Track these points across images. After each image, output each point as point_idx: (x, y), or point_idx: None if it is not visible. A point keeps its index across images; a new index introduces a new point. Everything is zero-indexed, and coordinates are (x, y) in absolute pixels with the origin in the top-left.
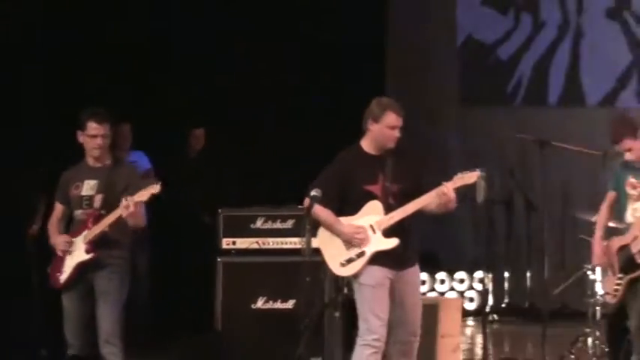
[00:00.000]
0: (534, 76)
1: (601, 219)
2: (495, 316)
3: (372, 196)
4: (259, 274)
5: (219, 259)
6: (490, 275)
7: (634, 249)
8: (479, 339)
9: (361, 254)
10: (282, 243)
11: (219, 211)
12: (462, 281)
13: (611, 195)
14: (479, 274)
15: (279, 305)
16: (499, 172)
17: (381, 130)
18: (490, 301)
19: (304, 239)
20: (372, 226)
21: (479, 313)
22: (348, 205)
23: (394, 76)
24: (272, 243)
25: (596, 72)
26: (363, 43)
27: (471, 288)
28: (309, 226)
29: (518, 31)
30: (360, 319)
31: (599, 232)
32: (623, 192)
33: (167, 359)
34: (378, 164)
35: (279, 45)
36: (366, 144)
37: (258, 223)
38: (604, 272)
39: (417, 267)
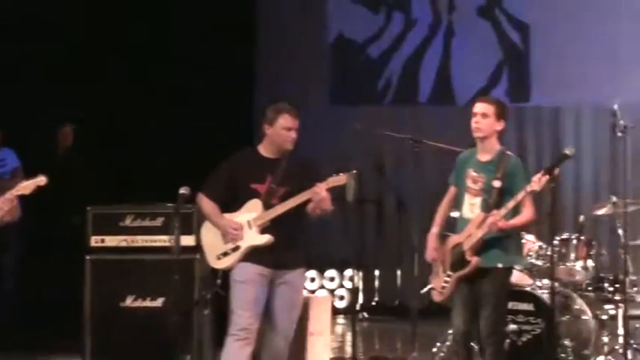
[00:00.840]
0: (405, 75)
1: (439, 214)
2: (365, 314)
3: (256, 195)
4: (128, 272)
5: (87, 257)
6: (360, 273)
7: (465, 246)
8: (349, 337)
9: (236, 249)
10: (151, 241)
11: (88, 208)
12: (332, 279)
13: (451, 190)
14: (349, 272)
15: (148, 303)
16: (370, 170)
17: (277, 133)
18: (360, 299)
19: (173, 237)
20: (248, 222)
21: (349, 311)
22: (235, 203)
23: (265, 74)
24: (141, 241)
25: (467, 70)
26: (233, 42)
27: (341, 286)
28: (177, 224)
29: (389, 30)
30: (230, 313)
31: (435, 228)
32: (463, 186)
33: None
34: (270, 166)
35: (148, 42)
36: (263, 148)
37: (127, 221)
38: (436, 269)
39: (300, 271)
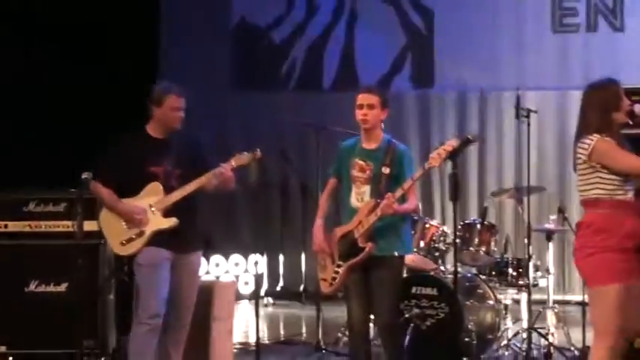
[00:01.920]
0: (308, 61)
1: (321, 206)
2: (270, 299)
3: (154, 178)
4: (32, 258)
5: None
6: (265, 259)
7: (357, 234)
8: (253, 322)
9: (140, 234)
10: (54, 226)
11: None
12: (237, 264)
13: (331, 181)
14: (254, 257)
15: (52, 288)
16: (275, 155)
17: (165, 113)
18: (265, 284)
19: (76, 222)
20: (151, 207)
21: (254, 297)
22: (131, 187)
23: (168, 58)
24: (45, 226)
25: (371, 56)
26: (136, 30)
27: (246, 271)
28: (80, 209)
29: (292, 15)
30: (137, 299)
31: (319, 220)
32: (348, 176)
33: None
34: (163, 148)
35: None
36: (152, 128)
37: (31, 206)
38: (323, 260)
39: (199, 254)
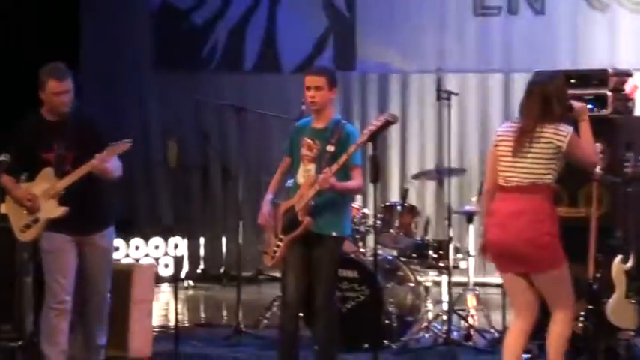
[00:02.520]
0: (230, 42)
1: (273, 183)
2: (191, 282)
3: (47, 163)
4: None
5: None
6: (185, 241)
7: (298, 207)
8: (174, 305)
9: (36, 221)
10: None
11: None
12: (157, 247)
13: (285, 160)
14: (174, 240)
15: None
16: (195, 137)
17: (48, 97)
18: (185, 267)
19: None
20: (44, 193)
21: (174, 279)
22: (29, 172)
23: (88, 40)
24: None
25: (293, 38)
26: (56, 10)
27: (166, 254)
28: None
29: None
30: (45, 284)
31: (269, 195)
32: (298, 154)
33: None
34: (56, 131)
35: None
36: (45, 111)
37: None
38: (268, 235)
39: (104, 234)
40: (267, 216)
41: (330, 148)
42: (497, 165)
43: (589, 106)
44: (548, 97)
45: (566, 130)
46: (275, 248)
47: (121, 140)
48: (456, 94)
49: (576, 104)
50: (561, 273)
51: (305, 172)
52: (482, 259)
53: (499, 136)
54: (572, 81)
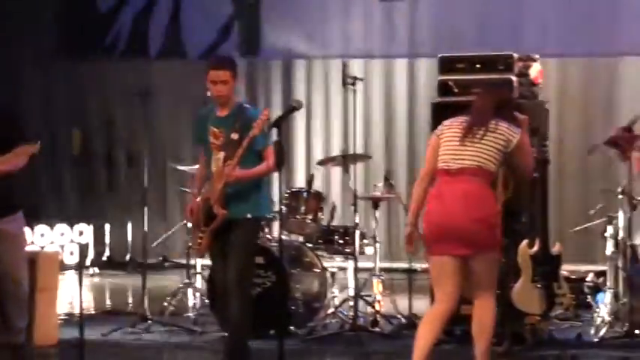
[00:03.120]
0: (135, 29)
1: (198, 174)
2: (96, 269)
3: None
4: None
5: None
6: (91, 228)
7: (212, 200)
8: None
9: None
10: None
11: None
12: (62, 234)
13: (203, 150)
14: (79, 227)
15: None
16: (100, 124)
17: None
18: (91, 254)
19: None
20: None
21: (79, 267)
22: None
23: None
24: None
25: (197, 25)
26: None
27: (71, 241)
28: None
29: None
30: None
31: (195, 189)
32: (208, 143)
33: None
34: None
35: None
36: None
37: None
38: (193, 226)
39: (12, 216)
40: (189, 211)
41: (234, 136)
42: (439, 152)
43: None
44: (503, 101)
45: (519, 130)
46: (199, 240)
47: (30, 140)
48: (362, 80)
49: (520, 115)
50: (499, 256)
51: (216, 161)
52: (393, 247)
53: (445, 125)
54: (478, 66)
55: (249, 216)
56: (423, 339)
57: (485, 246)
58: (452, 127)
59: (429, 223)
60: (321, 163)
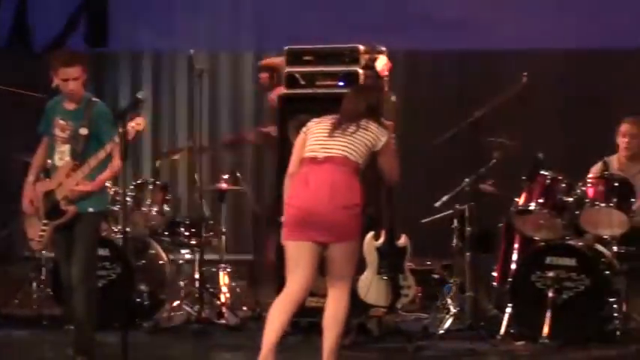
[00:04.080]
0: None
1: (34, 162)
2: None
3: None
4: None
5: None
6: None
7: (59, 196)
8: None
9: None
10: None
11: None
12: None
13: (45, 139)
14: None
15: None
16: None
17: None
18: None
19: None
20: None
21: None
22: None
23: None
24: None
25: (45, 16)
26: None
27: None
28: None
29: None
30: None
31: (30, 177)
32: (52, 134)
33: None
34: None
35: None
36: None
37: None
38: (31, 218)
39: None
40: (26, 201)
41: (84, 131)
42: (307, 144)
43: (340, 84)
44: (373, 104)
45: (386, 133)
46: (42, 233)
47: None
48: (208, 72)
49: (386, 122)
50: (358, 247)
51: (60, 154)
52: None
53: (314, 122)
54: (324, 58)
55: (91, 210)
56: (274, 323)
57: (346, 234)
58: (321, 122)
59: (292, 207)
60: (168, 154)
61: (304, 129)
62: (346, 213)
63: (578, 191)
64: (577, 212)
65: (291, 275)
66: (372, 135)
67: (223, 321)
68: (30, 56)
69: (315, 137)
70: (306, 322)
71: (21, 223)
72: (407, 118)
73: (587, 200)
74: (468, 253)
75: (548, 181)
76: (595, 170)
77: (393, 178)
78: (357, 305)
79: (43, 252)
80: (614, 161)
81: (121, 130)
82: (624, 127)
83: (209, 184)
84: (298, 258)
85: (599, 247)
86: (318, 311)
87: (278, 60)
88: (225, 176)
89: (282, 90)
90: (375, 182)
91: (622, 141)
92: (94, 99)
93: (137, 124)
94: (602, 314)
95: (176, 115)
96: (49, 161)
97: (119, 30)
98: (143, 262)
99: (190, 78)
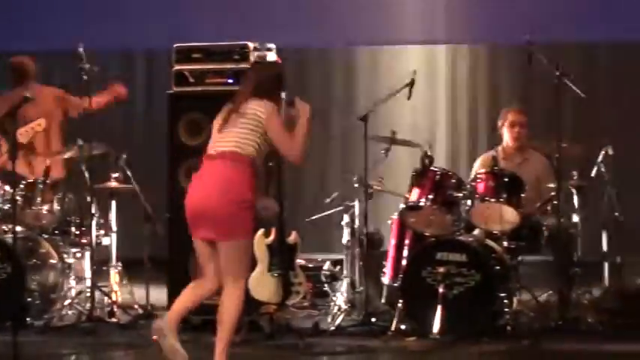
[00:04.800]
0: None
1: None
2: None
3: None
4: None
5: None
6: None
7: None
8: None
9: None
10: None
11: None
12: None
13: None
14: None
15: None
16: None
17: None
18: None
19: None
20: None
21: None
22: None
23: None
24: None
25: None
26: None
27: None
28: None
29: None
30: None
31: None
32: None
33: None
34: None
35: None
36: None
37: None
38: None
39: None
40: None
41: None
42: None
43: (230, 81)
44: (261, 81)
45: (270, 105)
46: None
47: None
48: (99, 71)
49: (299, 102)
50: (248, 244)
51: None
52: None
53: (218, 115)
54: (214, 56)
55: None
56: (184, 295)
57: (235, 232)
58: (219, 115)
59: (187, 205)
60: (59, 153)
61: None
62: (235, 209)
63: (468, 186)
64: (467, 208)
65: (202, 273)
66: (252, 117)
67: (115, 320)
68: None
69: (213, 134)
70: (199, 319)
71: None
72: None
73: (477, 195)
74: (358, 249)
75: (437, 177)
76: (484, 160)
77: (290, 156)
78: (248, 302)
79: None
80: (500, 152)
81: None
82: (514, 117)
83: (99, 182)
84: (200, 255)
85: (490, 243)
86: (211, 308)
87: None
88: (115, 175)
89: None
90: (264, 177)
91: (512, 131)
92: None
93: (38, 124)
94: (493, 309)
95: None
96: None
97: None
98: (34, 261)
99: (80, 78)
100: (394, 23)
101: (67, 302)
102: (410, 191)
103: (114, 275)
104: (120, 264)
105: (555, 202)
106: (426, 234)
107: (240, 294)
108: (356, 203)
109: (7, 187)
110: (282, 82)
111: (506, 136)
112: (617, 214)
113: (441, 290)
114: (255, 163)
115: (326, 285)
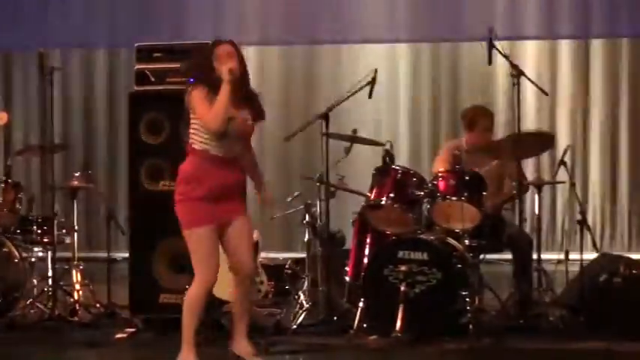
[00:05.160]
0: None
1: None
2: None
3: None
4: None
5: None
6: None
7: None
8: None
9: None
10: None
11: None
12: None
13: None
14: None
15: None
16: None
17: None
18: None
19: None
20: None
21: None
22: None
23: None
24: None
25: None
26: None
27: None
28: None
29: None
30: None
31: None
32: None
33: None
34: None
35: None
36: None
37: None
38: None
39: None
40: None
41: None
42: None
43: (191, 80)
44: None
45: (190, 87)
46: None
47: None
48: (60, 69)
49: (220, 66)
50: (188, 238)
51: None
52: (92, 236)
53: None
54: (174, 55)
55: None
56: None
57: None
58: None
59: None
60: (20, 152)
61: None
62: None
63: (430, 185)
64: (428, 206)
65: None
66: (186, 100)
67: (76, 318)
68: None
69: None
70: (162, 318)
71: None
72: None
73: (438, 194)
74: (319, 248)
75: (399, 175)
76: (449, 148)
77: (206, 125)
78: (210, 301)
79: None
80: (464, 143)
81: None
82: (486, 121)
83: (62, 181)
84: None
85: (451, 241)
86: (175, 307)
87: None
88: (77, 174)
89: None
90: None
91: (483, 135)
92: None
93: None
94: (455, 308)
95: (29, 113)
96: None
97: None
98: None
99: (41, 76)
100: (356, 21)
101: (29, 301)
102: (371, 190)
103: (75, 274)
104: (82, 263)
105: (517, 199)
106: (388, 232)
107: (197, 285)
108: (317, 202)
109: None
110: (203, 57)
111: (471, 137)
112: (578, 212)
113: (402, 289)
114: (194, 149)
115: (288, 284)
